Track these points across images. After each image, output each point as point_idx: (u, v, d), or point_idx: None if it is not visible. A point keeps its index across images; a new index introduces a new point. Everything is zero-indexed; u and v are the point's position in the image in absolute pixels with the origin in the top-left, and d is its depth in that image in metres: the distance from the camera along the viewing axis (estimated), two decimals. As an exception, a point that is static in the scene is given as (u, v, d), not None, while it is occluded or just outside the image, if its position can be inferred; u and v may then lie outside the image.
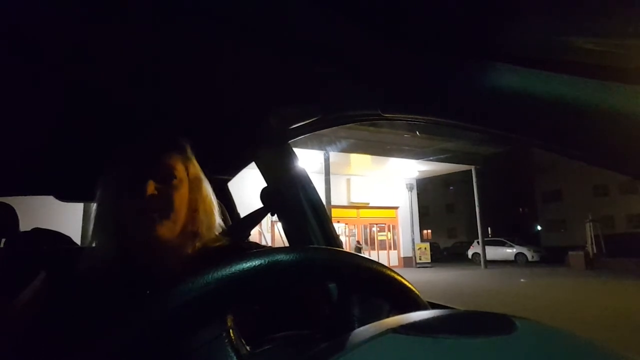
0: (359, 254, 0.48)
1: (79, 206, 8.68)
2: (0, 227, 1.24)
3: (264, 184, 1.29)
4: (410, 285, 0.50)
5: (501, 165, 26.17)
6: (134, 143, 0.77)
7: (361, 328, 0.34)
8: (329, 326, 0.50)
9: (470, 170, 16.57)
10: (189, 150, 0.81)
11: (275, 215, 1.25)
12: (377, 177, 16.60)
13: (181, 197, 0.75)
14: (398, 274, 0.49)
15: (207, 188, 0.82)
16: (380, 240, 17.55)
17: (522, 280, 11.72)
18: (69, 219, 7.57)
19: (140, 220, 0.71)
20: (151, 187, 0.71)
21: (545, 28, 0.45)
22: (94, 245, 0.76)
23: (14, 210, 1.27)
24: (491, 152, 16.62)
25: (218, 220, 0.83)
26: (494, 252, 19.80)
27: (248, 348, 0.41)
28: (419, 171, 16.67)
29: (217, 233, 0.82)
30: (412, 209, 17.43)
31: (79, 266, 0.72)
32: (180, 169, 0.77)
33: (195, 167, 0.81)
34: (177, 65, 0.76)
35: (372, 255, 15.40)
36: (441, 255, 25.38)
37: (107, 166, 0.77)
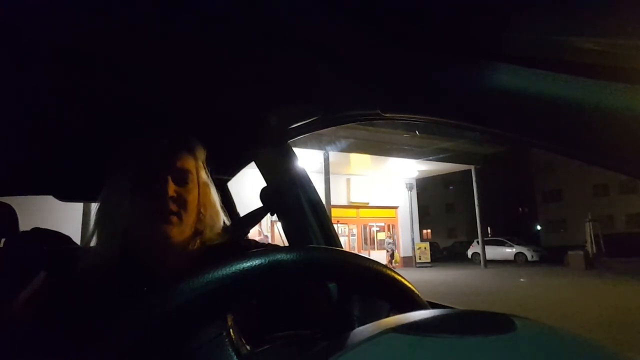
0: (359, 254, 0.48)
1: (79, 206, 8.67)
2: (0, 227, 1.24)
3: (264, 184, 1.29)
4: (410, 285, 0.50)
5: (501, 165, 26.16)
6: (144, 142, 0.76)
7: (361, 328, 0.34)
8: (329, 326, 0.50)
9: (470, 170, 16.56)
10: (200, 155, 0.80)
11: (275, 215, 1.25)
12: (377, 176, 16.57)
13: (194, 201, 0.76)
14: (398, 274, 0.49)
15: (214, 194, 0.83)
16: (380, 240, 17.55)
17: (521, 280, 11.71)
18: (69, 219, 7.56)
19: (156, 220, 0.71)
20: (172, 189, 0.71)
21: (545, 28, 0.45)
22: (94, 243, 0.76)
23: (14, 210, 1.27)
24: (491, 152, 16.61)
25: (221, 224, 0.83)
26: (494, 252, 19.78)
27: (248, 347, 0.41)
28: (418, 171, 16.65)
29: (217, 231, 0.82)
30: (411, 209, 17.41)
31: (79, 266, 0.72)
32: (193, 172, 0.77)
33: (205, 172, 0.81)
34: (176, 65, 0.76)
35: (372, 254, 15.40)
36: (441, 255, 25.38)
37: (114, 164, 0.76)
